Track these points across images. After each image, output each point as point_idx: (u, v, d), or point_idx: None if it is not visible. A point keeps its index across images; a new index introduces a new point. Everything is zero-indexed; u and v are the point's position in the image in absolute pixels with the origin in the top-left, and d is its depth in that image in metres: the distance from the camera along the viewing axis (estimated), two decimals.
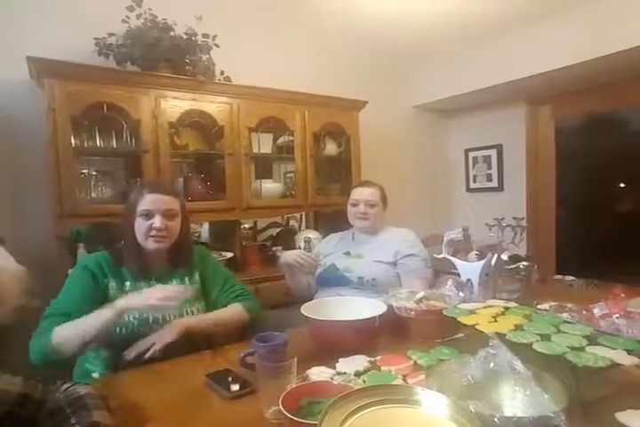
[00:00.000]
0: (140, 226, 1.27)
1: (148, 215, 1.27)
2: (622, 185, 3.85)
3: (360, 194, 1.87)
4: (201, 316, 1.30)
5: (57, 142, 1.93)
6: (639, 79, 2.68)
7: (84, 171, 2.14)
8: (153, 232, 1.26)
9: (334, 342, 1.11)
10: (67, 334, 1.08)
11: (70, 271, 1.34)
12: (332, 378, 0.94)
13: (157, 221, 1.26)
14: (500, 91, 3.16)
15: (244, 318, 1.34)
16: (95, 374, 1.19)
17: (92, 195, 2.13)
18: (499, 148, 3.54)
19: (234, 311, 1.34)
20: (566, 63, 2.61)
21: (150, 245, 1.27)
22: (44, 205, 2.09)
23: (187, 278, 1.36)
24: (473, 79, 3.15)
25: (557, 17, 2.59)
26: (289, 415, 0.73)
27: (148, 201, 1.28)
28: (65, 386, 0.84)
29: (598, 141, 3.68)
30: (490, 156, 3.60)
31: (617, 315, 1.08)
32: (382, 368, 1.00)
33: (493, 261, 1.56)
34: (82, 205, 2.01)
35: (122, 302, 1.11)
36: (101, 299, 1.22)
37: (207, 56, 2.29)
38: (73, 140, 1.99)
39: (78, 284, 1.24)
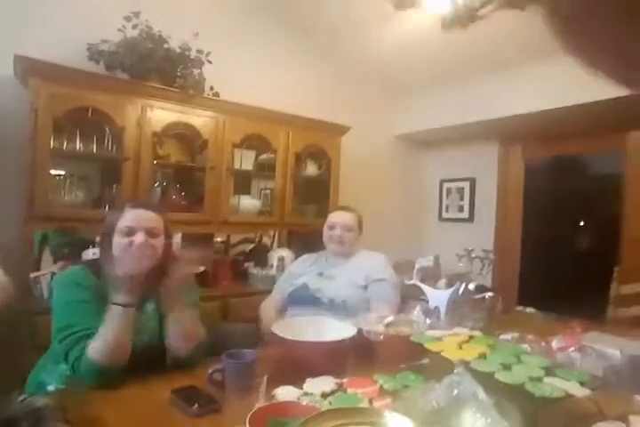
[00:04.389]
0: (118, 244, 1.14)
1: (129, 232, 1.15)
2: (582, 223, 4.07)
3: (338, 217, 1.90)
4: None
5: (35, 142, 1.89)
6: (603, 129, 2.90)
7: (59, 173, 2.09)
8: (134, 249, 1.13)
9: (303, 362, 1.11)
10: (100, 345, 1.03)
11: (59, 291, 1.19)
12: (298, 398, 0.95)
13: (139, 237, 1.14)
14: (476, 128, 3.33)
15: (201, 340, 1.22)
16: (50, 387, 1.13)
17: (66, 198, 2.08)
18: (472, 181, 3.70)
19: (201, 330, 1.24)
20: (538, 108, 2.80)
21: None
22: (11, 205, 2.02)
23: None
24: (452, 114, 3.31)
25: (534, 65, 2.79)
26: None
27: (129, 217, 1.16)
28: (21, 397, 0.81)
29: (562, 182, 3.91)
30: (463, 188, 3.75)
31: (572, 348, 1.14)
32: (349, 391, 1.01)
33: (461, 291, 1.61)
34: (53, 207, 1.95)
35: (117, 289, 1.07)
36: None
37: (198, 71, 2.32)
38: (52, 142, 1.96)
39: (83, 300, 1.13)
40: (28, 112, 1.90)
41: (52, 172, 2.02)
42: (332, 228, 1.89)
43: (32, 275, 1.85)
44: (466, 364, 1.01)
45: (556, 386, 0.88)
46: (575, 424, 0.88)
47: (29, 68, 1.90)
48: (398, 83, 3.48)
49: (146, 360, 1.13)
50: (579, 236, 4.08)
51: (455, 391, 0.92)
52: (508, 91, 2.95)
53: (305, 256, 2.06)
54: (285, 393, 0.97)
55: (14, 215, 1.98)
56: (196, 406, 0.92)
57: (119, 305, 1.07)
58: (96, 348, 1.04)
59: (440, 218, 3.95)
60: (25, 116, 1.91)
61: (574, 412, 0.93)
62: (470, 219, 3.71)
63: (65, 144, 2.06)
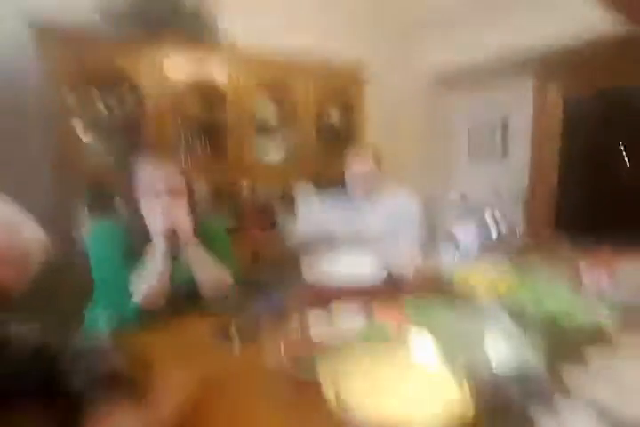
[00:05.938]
0: (145, 205, 1.22)
1: (154, 194, 1.21)
2: (627, 161, 3.83)
3: (357, 165, 1.87)
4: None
5: (57, 105, 1.91)
6: None
7: (85, 134, 2.12)
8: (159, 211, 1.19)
9: (334, 297, 1.15)
10: (145, 288, 1.14)
11: (91, 246, 1.25)
12: (328, 330, 0.98)
13: (164, 199, 1.20)
14: (510, 61, 3.07)
15: (228, 283, 1.30)
16: (102, 328, 1.23)
17: (93, 158, 2.12)
18: (504, 118, 3.49)
19: (226, 275, 1.30)
20: (578, 37, 2.53)
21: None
22: (43, 167, 2.08)
23: None
24: (483, 47, 3.05)
25: None
26: (292, 365, 0.77)
27: (151, 178, 1.22)
28: (80, 337, 0.89)
29: (603, 117, 3.63)
30: (495, 125, 3.56)
31: (604, 278, 1.12)
32: (378, 320, 1.04)
33: (491, 228, 1.59)
34: (80, 167, 2.00)
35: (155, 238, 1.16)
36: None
37: (213, 22, 2.21)
38: (72, 102, 1.96)
39: (112, 257, 1.20)
40: (46, 73, 1.88)
41: (78, 133, 2.04)
42: (353, 175, 1.88)
43: (72, 231, 1.96)
44: (495, 297, 1.02)
45: (587, 317, 0.87)
46: (607, 356, 0.88)
47: (46, 32, 1.86)
48: (422, 18, 3.20)
49: (185, 300, 1.22)
50: (622, 174, 3.86)
51: (483, 322, 0.93)
52: (544, 19, 2.67)
53: (330, 196, 2.05)
54: (316, 324, 1.02)
55: (46, 176, 2.05)
56: (236, 338, 0.98)
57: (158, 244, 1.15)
58: (141, 291, 1.13)
59: (470, 158, 3.81)
60: (46, 80, 1.91)
61: (606, 343, 0.93)
62: (503, 156, 3.55)
63: (86, 104, 2.06)
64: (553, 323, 0.90)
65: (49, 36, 1.86)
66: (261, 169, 2.54)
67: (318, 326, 1.02)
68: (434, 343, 0.86)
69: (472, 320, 0.96)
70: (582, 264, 1.19)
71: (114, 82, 2.08)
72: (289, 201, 2.84)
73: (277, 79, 2.50)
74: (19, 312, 0.80)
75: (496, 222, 1.63)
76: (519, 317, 0.92)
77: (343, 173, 1.94)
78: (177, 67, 2.16)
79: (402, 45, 3.45)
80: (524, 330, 0.87)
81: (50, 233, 0.84)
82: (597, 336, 0.89)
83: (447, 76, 3.65)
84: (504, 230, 1.66)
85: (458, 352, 0.83)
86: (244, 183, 2.59)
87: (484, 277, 1.16)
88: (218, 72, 2.29)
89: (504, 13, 2.88)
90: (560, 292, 1.06)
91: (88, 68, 1.95)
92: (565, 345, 0.85)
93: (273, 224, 2.70)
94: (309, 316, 1.03)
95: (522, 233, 1.69)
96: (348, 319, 1.04)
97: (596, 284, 1.08)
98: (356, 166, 1.87)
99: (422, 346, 0.86)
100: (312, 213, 2.02)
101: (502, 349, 0.85)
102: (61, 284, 1.84)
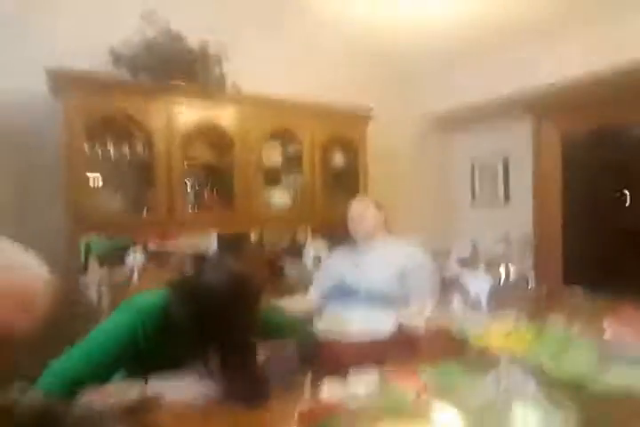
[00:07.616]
0: None
1: None
2: (628, 201, 3.83)
3: (354, 208, 1.94)
4: None
5: (70, 151, 1.97)
6: None
7: (97, 181, 2.17)
8: None
9: (346, 359, 1.12)
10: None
11: (117, 311, 1.12)
12: (343, 395, 0.95)
13: None
14: (507, 101, 3.17)
15: None
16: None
17: (104, 205, 2.15)
18: (505, 160, 3.55)
19: None
20: (574, 75, 2.63)
21: None
22: (54, 215, 2.11)
23: None
24: (480, 89, 3.16)
25: (568, 30, 2.63)
26: None
27: None
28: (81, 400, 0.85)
29: (603, 155, 3.68)
30: (496, 168, 3.61)
31: (628, 334, 1.08)
32: (394, 385, 1.00)
33: (502, 277, 1.57)
34: (92, 214, 2.03)
35: None
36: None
37: (219, 68, 2.32)
38: (86, 150, 2.03)
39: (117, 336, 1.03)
40: (60, 123, 1.97)
41: (90, 181, 2.10)
42: (352, 219, 1.92)
43: (81, 279, 1.94)
44: (512, 355, 0.98)
45: (615, 378, 0.83)
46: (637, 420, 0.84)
47: (60, 79, 1.97)
48: (420, 61, 3.35)
49: None
50: (625, 213, 3.85)
51: (503, 384, 0.89)
52: (539, 59, 2.79)
53: (338, 250, 2.07)
54: (330, 390, 0.98)
55: (57, 225, 2.07)
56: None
57: None
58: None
59: (473, 202, 3.83)
60: (59, 126, 1.98)
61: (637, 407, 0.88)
62: (505, 201, 3.57)
63: (99, 152, 2.12)
64: (575, 383, 0.86)
65: (64, 84, 1.97)
66: (268, 215, 2.56)
67: (332, 391, 0.98)
68: (455, 408, 0.82)
69: (491, 382, 0.92)
70: (606, 320, 1.15)
71: (125, 128, 2.16)
72: (296, 249, 2.81)
73: (282, 123, 2.58)
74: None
75: (507, 271, 1.61)
76: (538, 375, 0.88)
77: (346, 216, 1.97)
78: (185, 112, 2.25)
79: (401, 90, 3.57)
80: (545, 389, 0.83)
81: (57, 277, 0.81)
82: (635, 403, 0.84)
83: (447, 119, 3.76)
84: (515, 279, 1.64)
85: (482, 418, 0.79)
86: (252, 232, 2.58)
87: (498, 332, 1.13)
88: (225, 118, 2.38)
89: (500, 55, 3.02)
90: (579, 347, 1.02)
91: (101, 113, 2.04)
92: (598, 409, 0.81)
93: (280, 273, 2.67)
94: (324, 381, 0.99)
95: (533, 281, 1.66)
96: (363, 384, 1.00)
97: (621, 341, 1.04)
98: (356, 208, 1.92)
99: (444, 409, 0.82)
100: (323, 268, 2.05)
101: (527, 414, 0.81)
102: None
